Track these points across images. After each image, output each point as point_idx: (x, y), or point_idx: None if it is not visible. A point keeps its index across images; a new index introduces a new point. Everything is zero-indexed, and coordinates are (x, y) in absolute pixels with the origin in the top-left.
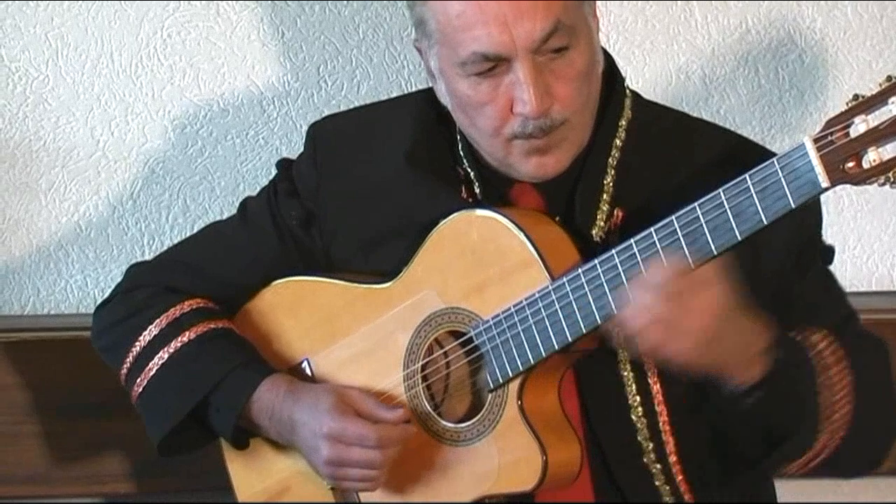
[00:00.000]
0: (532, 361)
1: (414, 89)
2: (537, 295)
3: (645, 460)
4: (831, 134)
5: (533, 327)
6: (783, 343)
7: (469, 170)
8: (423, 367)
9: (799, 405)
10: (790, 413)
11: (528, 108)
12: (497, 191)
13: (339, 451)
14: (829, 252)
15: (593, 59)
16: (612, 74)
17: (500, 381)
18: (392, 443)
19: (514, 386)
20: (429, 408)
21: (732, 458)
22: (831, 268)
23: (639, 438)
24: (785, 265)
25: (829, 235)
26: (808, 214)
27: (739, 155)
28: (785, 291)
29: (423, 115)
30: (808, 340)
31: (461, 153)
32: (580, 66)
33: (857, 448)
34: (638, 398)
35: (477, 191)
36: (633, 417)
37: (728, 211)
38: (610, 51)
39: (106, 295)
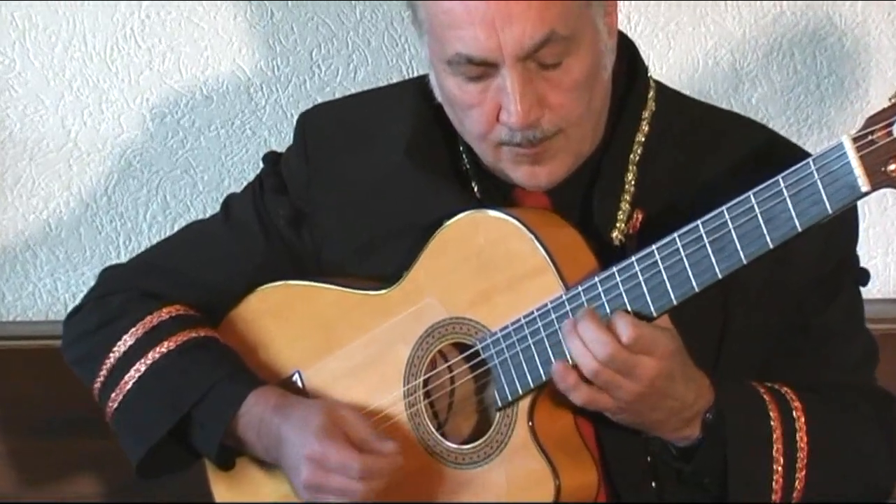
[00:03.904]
0: (544, 378)
1: (415, 75)
2: (549, 305)
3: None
4: (872, 133)
5: (545, 340)
6: (731, 403)
7: (470, 166)
8: (426, 383)
9: (747, 466)
10: (737, 473)
11: (512, 119)
12: (501, 189)
13: (319, 476)
14: (864, 276)
15: (597, 64)
16: (633, 63)
17: (509, 398)
18: (376, 476)
19: (524, 404)
20: (431, 427)
21: None
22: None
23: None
24: (808, 292)
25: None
26: (841, 231)
27: (770, 153)
28: (803, 322)
29: (422, 104)
30: (774, 399)
31: (461, 148)
32: (578, 75)
33: None
34: None
35: (478, 189)
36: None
37: (759, 216)
38: (631, 34)
39: (77, 301)
